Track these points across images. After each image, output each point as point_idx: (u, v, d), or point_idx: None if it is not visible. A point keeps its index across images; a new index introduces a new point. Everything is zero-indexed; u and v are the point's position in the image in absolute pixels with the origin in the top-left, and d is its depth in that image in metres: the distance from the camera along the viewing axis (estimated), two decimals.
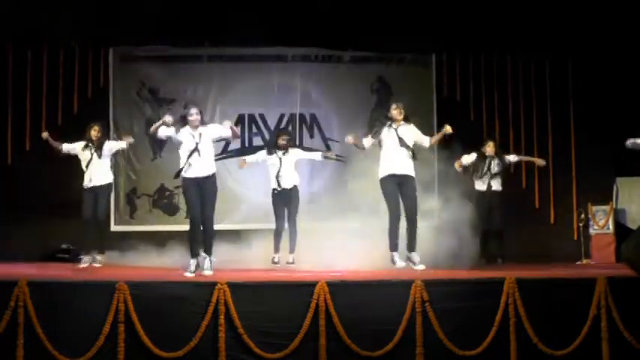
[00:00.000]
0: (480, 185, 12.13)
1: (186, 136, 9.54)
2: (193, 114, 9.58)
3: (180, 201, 13.30)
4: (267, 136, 13.74)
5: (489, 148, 12.12)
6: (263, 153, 11.32)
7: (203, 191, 9.58)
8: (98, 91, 13.24)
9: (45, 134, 10.77)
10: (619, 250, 11.97)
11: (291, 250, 11.10)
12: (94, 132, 10.76)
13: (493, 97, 13.85)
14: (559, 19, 12.75)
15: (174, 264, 11.67)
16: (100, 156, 10.76)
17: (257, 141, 13.77)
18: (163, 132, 9.61)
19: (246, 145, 13.71)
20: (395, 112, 10.19)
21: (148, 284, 8.72)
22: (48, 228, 12.59)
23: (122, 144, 11.32)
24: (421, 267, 10.10)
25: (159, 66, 13.58)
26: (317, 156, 11.69)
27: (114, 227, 12.96)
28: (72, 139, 11.46)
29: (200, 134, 9.53)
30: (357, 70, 13.98)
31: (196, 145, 9.48)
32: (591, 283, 9.16)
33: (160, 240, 12.78)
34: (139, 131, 13.44)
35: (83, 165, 10.77)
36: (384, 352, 8.73)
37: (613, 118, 13.20)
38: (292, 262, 11.01)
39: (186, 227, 12.44)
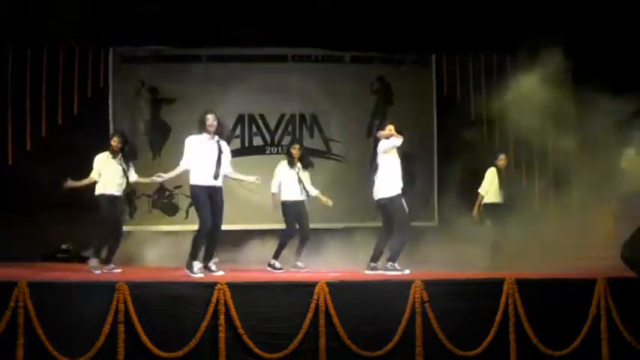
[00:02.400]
0: (493, 198, 11.74)
1: (206, 143, 9.62)
2: (210, 119, 9.63)
3: (180, 201, 13.31)
4: (267, 136, 13.74)
5: (502, 162, 11.78)
6: (284, 168, 11.03)
7: (214, 201, 9.62)
8: (98, 91, 13.23)
9: (69, 184, 10.37)
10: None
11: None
12: (114, 142, 10.59)
13: (492, 98, 13.83)
14: (559, 19, 12.74)
15: (174, 264, 11.70)
16: (127, 167, 10.66)
17: (257, 141, 13.78)
18: (189, 154, 9.61)
19: (246, 144, 13.71)
20: (385, 131, 10.28)
21: (148, 284, 8.72)
22: (48, 228, 12.58)
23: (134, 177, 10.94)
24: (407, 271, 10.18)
25: (158, 66, 13.58)
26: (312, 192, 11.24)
27: None
28: (72, 139, 11.51)
29: (220, 145, 9.69)
30: (357, 70, 14.01)
31: (219, 154, 9.61)
32: (591, 284, 9.19)
33: (159, 240, 12.80)
34: (138, 131, 13.45)
35: (111, 176, 10.46)
36: (384, 352, 8.75)
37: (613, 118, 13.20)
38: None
39: (185, 227, 12.61)
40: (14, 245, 12.22)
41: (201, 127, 9.65)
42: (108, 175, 10.49)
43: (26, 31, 12.47)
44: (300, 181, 11.00)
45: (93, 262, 10.29)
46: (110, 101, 13.36)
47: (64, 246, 12.78)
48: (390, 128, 10.18)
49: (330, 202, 11.27)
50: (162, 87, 13.60)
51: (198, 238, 9.66)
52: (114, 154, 10.54)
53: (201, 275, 9.51)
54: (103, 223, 10.50)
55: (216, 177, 9.57)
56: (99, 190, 10.49)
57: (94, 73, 13.22)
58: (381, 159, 10.21)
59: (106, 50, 13.35)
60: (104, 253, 10.50)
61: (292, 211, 10.97)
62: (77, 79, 13.14)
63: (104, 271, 10.30)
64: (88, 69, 13.19)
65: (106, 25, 12.64)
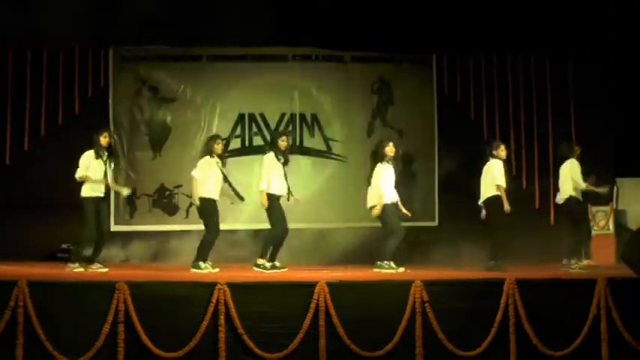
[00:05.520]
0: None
1: (215, 166, 10.58)
2: (220, 143, 10.75)
3: (180, 201, 13.30)
4: (267, 135, 13.73)
5: (504, 152, 11.26)
6: (273, 161, 10.76)
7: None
8: (98, 90, 13.19)
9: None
10: (619, 251, 11.99)
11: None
12: (104, 139, 10.63)
13: (493, 97, 13.86)
14: (559, 19, 12.75)
15: (174, 264, 11.72)
16: (111, 165, 10.71)
17: (257, 140, 13.76)
18: (202, 173, 10.55)
19: (246, 144, 13.69)
20: (388, 149, 10.90)
21: (148, 284, 8.75)
22: (47, 228, 12.55)
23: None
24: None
25: (159, 66, 13.52)
26: None
27: (114, 227, 12.87)
28: (72, 139, 11.53)
29: (220, 162, 10.68)
30: (358, 70, 13.96)
31: (223, 173, 10.65)
32: (591, 284, 9.21)
33: (159, 240, 12.80)
34: (139, 130, 13.43)
35: (97, 175, 10.48)
36: (384, 352, 8.78)
37: (613, 118, 13.24)
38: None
39: (185, 227, 12.63)
40: (14, 245, 12.21)
41: (210, 151, 10.62)
42: (94, 175, 10.48)
43: (26, 32, 12.44)
44: (285, 175, 10.78)
45: (74, 263, 10.35)
46: (110, 101, 13.32)
47: (64, 245, 12.75)
48: (390, 146, 10.92)
49: (299, 201, 11.16)
50: (163, 86, 13.56)
51: (211, 242, 10.48)
52: (101, 152, 10.54)
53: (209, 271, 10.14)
54: (88, 224, 10.49)
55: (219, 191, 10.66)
56: (86, 193, 10.47)
57: (94, 73, 13.19)
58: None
59: (106, 50, 13.31)
60: (88, 253, 10.52)
61: (278, 205, 10.73)
62: (77, 79, 13.11)
63: (90, 270, 10.32)
64: (88, 69, 13.16)
65: (105, 25, 12.62)
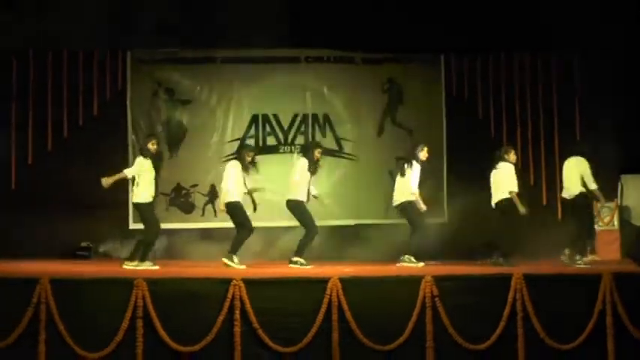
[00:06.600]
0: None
1: (240, 173, 11.01)
2: (250, 155, 11.15)
3: (196, 199, 13.50)
4: (280, 135, 13.89)
5: (514, 156, 11.44)
6: (305, 169, 11.24)
7: None
8: (116, 93, 13.38)
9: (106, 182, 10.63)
10: (624, 247, 12.10)
11: None
12: (152, 145, 10.94)
13: (500, 96, 13.94)
14: (564, 18, 12.84)
15: (190, 261, 11.91)
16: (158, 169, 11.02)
17: (270, 140, 13.91)
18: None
19: (260, 144, 13.85)
20: (422, 153, 11.37)
21: (165, 281, 8.95)
22: (67, 227, 12.71)
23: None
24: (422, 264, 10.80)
25: (174, 68, 13.65)
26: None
27: (132, 225, 12.99)
28: (92, 140, 11.72)
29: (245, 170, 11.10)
30: (368, 71, 14.03)
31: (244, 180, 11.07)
32: (597, 279, 9.32)
33: (176, 237, 12.98)
34: (155, 131, 13.57)
35: (150, 181, 10.76)
36: (396, 345, 8.93)
37: (618, 116, 13.30)
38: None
39: (201, 225, 12.93)
40: (35, 243, 12.40)
41: (246, 162, 11.05)
42: (149, 181, 10.75)
43: (46, 36, 12.62)
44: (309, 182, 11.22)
45: (147, 263, 10.56)
46: (128, 102, 13.49)
47: (83, 244, 12.94)
48: (426, 150, 11.33)
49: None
50: (178, 88, 13.71)
51: (245, 239, 10.85)
52: (152, 159, 10.82)
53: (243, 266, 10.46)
54: (153, 228, 10.82)
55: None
56: (145, 199, 10.72)
57: (112, 75, 13.35)
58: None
59: (123, 53, 13.49)
60: (140, 252, 10.72)
61: (306, 208, 11.18)
62: (96, 82, 13.26)
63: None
64: (106, 72, 13.32)
65: (123, 28, 12.81)
